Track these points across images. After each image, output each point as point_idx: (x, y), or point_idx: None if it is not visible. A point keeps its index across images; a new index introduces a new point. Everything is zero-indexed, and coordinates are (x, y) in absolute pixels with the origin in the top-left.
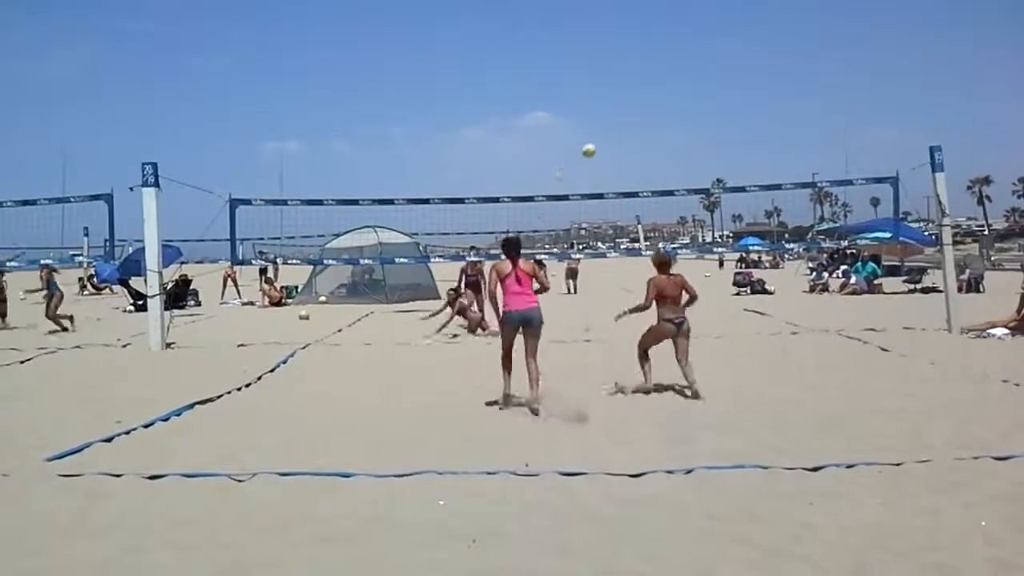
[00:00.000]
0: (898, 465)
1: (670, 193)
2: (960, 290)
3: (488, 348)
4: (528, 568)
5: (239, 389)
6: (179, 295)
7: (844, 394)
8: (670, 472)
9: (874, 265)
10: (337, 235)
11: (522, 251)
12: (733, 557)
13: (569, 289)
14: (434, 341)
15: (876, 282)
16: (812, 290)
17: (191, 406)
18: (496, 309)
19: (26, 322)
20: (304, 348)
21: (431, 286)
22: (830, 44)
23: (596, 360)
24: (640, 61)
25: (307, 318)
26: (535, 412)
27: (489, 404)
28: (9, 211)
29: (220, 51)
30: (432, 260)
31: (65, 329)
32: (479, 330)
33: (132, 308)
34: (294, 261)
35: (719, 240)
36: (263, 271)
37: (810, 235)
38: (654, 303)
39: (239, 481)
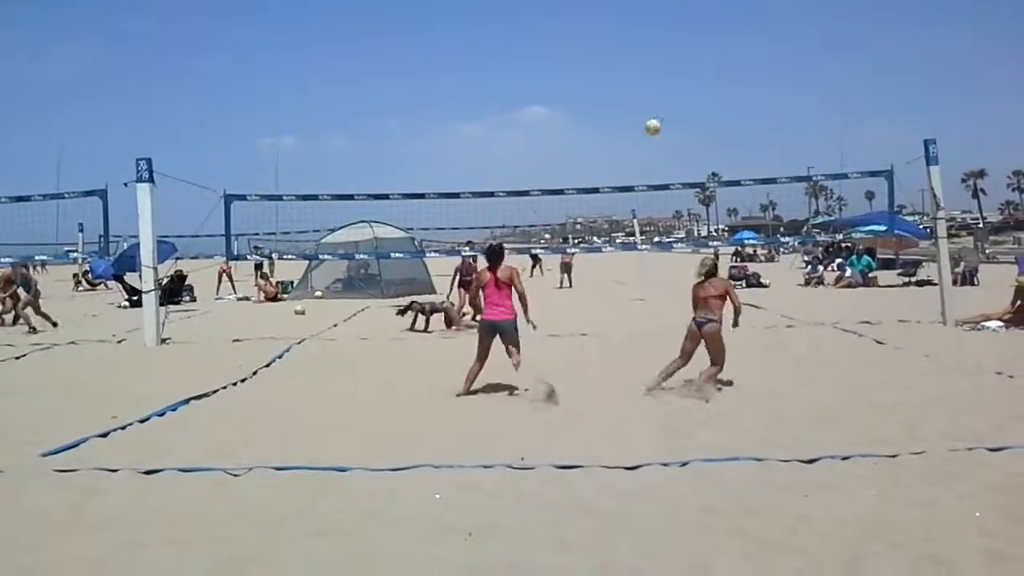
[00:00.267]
0: (893, 457)
1: (665, 187)
2: (955, 283)
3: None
4: (524, 561)
5: (235, 384)
6: (174, 291)
7: (839, 387)
8: (666, 465)
9: (869, 258)
10: (333, 230)
11: (506, 254)
12: (729, 550)
13: (563, 283)
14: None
15: (871, 275)
16: (807, 283)
17: (187, 401)
18: (478, 315)
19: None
20: (300, 343)
21: (427, 281)
22: (829, 42)
23: (591, 355)
24: (637, 56)
25: (303, 313)
26: (516, 367)
27: (459, 396)
28: (4, 207)
29: (219, 50)
30: (428, 255)
31: (33, 329)
32: (452, 326)
33: (127, 304)
34: (289, 256)
35: (715, 234)
36: (258, 266)
37: (805, 229)
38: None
39: (235, 476)
